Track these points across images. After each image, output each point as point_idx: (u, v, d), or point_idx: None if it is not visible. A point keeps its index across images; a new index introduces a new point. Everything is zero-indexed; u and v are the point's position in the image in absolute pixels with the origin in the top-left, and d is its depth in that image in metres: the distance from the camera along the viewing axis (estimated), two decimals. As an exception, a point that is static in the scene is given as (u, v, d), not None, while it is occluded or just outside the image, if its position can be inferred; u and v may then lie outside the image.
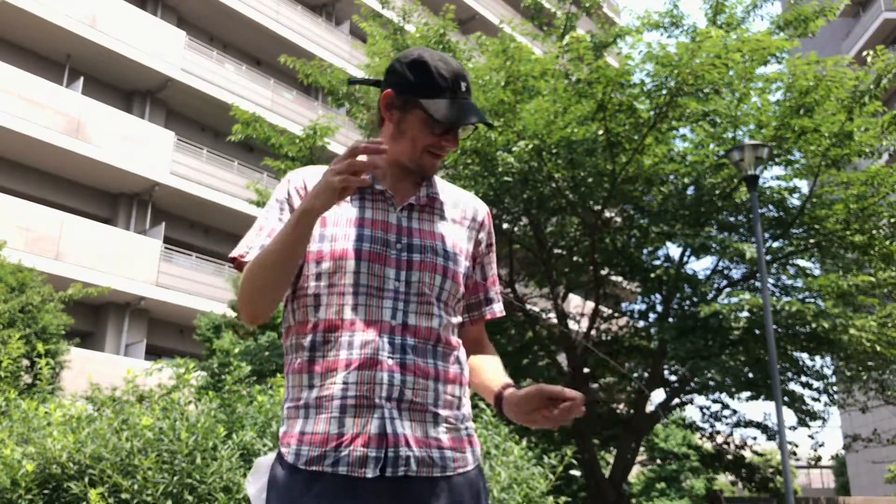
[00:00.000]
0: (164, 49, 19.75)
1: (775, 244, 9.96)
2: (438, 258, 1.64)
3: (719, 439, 13.04)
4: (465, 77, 1.66)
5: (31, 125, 17.08)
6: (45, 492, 3.68)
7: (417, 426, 1.54)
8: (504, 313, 1.82)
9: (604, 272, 11.25)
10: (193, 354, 12.88)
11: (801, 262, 10.48)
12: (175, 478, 3.52)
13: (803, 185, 11.16)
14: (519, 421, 1.58)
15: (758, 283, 9.96)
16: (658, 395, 12.87)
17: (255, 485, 1.62)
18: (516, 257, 11.50)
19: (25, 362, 8.30)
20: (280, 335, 11.05)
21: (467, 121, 1.63)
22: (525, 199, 9.57)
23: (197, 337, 13.27)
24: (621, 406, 12.84)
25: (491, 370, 1.72)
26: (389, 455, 1.49)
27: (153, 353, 18.44)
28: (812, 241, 9.63)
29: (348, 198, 1.66)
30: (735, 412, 12.33)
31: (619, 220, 10.93)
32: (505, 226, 10.51)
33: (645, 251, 10.59)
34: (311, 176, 1.69)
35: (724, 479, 24.89)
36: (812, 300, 9.45)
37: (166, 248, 19.32)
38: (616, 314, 12.07)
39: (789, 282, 10.56)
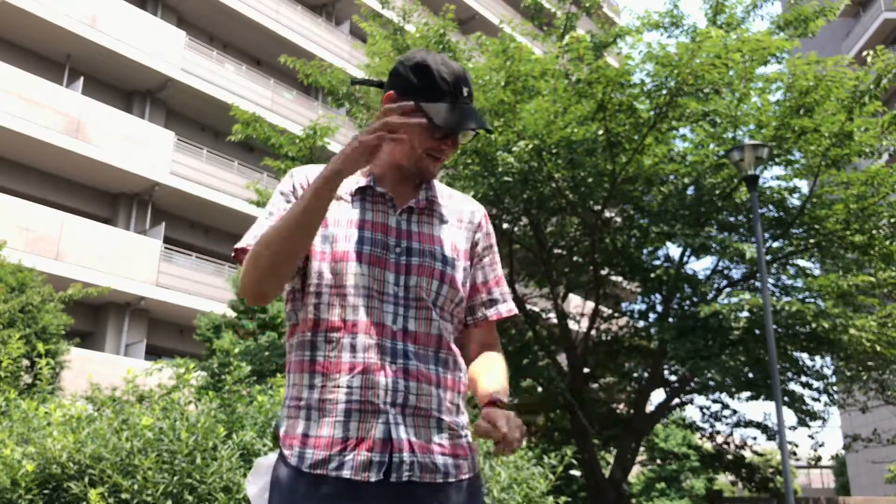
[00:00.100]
0: (164, 49, 19.75)
1: (775, 244, 9.96)
2: (437, 263, 1.64)
3: (719, 439, 13.03)
4: (467, 82, 1.66)
5: (31, 125, 17.07)
6: (45, 492, 3.68)
7: (421, 432, 1.54)
8: (514, 312, 1.78)
9: (604, 272, 11.25)
10: (193, 354, 12.88)
11: (801, 262, 10.48)
12: (175, 478, 3.52)
13: (803, 185, 11.18)
14: None
15: (758, 283, 9.96)
16: (658, 395, 12.88)
17: (255, 485, 1.62)
18: (516, 257, 11.50)
19: (25, 362, 8.30)
20: (280, 335, 11.07)
21: (467, 126, 1.63)
22: (525, 199, 9.57)
23: (197, 337, 13.28)
24: (621, 406, 12.85)
25: (485, 379, 1.64)
26: (394, 460, 1.50)
27: (153, 353, 18.43)
28: (812, 241, 9.63)
29: (349, 198, 1.67)
30: (735, 412, 12.34)
31: (619, 220, 10.93)
32: (505, 226, 10.51)
33: (645, 251, 10.59)
34: (313, 173, 1.69)
35: (724, 479, 24.91)
36: (812, 300, 9.45)
37: (166, 248, 19.31)
38: (616, 314, 12.07)
39: (789, 282, 10.57)
